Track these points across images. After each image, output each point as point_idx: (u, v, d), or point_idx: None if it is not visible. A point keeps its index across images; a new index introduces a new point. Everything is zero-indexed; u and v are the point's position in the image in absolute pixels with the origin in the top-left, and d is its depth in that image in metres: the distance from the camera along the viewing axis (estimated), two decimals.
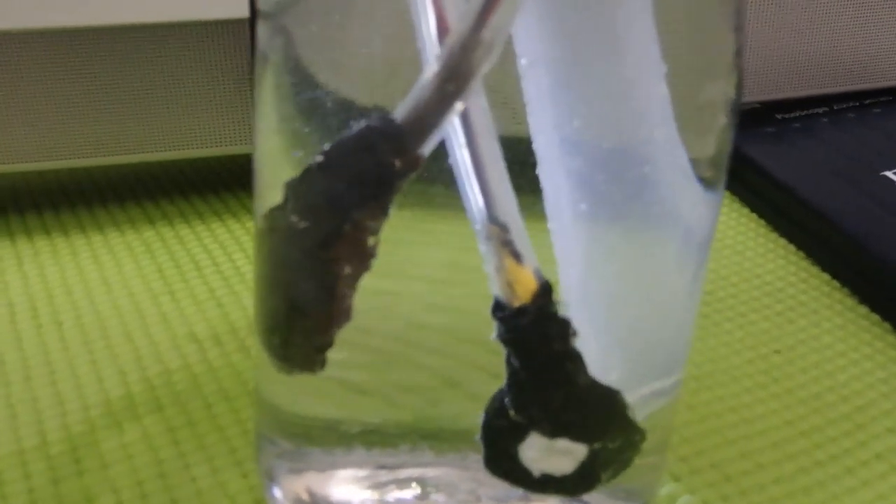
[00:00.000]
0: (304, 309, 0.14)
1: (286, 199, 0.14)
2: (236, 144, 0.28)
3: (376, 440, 0.16)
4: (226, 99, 0.27)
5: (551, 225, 0.14)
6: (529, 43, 0.13)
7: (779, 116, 0.33)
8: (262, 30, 0.14)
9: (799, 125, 0.33)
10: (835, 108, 0.33)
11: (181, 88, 0.27)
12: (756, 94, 0.34)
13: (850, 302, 0.26)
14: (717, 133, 0.15)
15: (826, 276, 0.27)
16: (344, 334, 0.14)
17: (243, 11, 0.26)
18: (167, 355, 0.23)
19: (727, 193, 0.32)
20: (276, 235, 0.14)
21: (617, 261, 0.15)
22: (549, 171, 0.14)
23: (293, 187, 0.14)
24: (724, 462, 0.21)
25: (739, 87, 0.15)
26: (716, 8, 0.14)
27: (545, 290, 0.14)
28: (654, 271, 0.16)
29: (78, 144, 0.27)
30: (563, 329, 0.14)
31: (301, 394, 0.16)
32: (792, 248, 0.29)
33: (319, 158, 0.13)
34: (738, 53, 0.15)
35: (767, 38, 0.32)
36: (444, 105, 0.13)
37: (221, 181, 0.31)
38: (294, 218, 0.13)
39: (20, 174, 0.31)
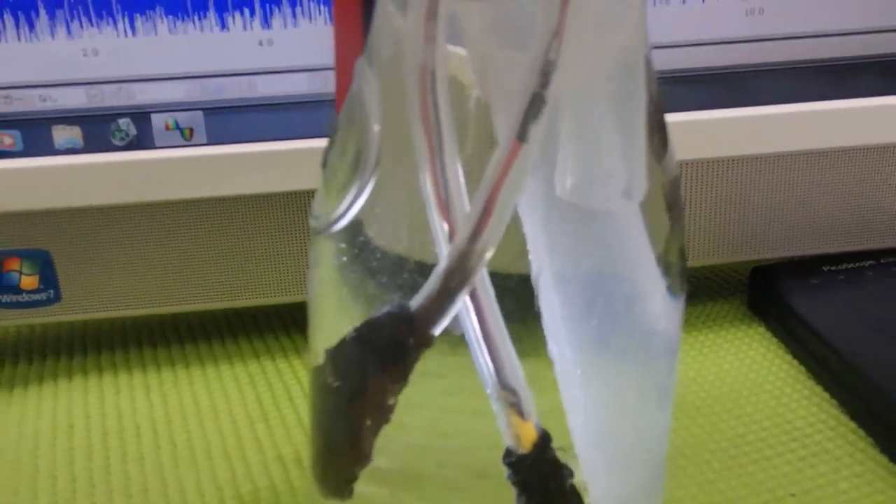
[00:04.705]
0: (335, 449, 0.18)
1: (325, 362, 0.18)
2: None
3: None
4: None
5: (560, 386, 0.18)
6: (538, 255, 0.17)
7: (825, 268, 0.35)
8: (313, 240, 0.19)
9: (844, 277, 0.35)
10: (881, 261, 0.36)
11: (284, 246, 0.33)
12: (807, 248, 0.36)
13: (873, 452, 0.28)
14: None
15: (853, 426, 0.29)
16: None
17: None
18: (257, 475, 0.28)
19: (773, 339, 0.34)
20: (316, 389, 0.19)
21: (611, 402, 0.19)
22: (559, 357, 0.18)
23: (331, 353, 0.18)
24: None
25: (682, 255, 0.18)
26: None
27: (544, 440, 0.18)
28: (640, 409, 0.19)
29: (199, 291, 0.33)
30: (559, 471, 0.18)
31: None
32: (826, 395, 0.31)
33: (352, 333, 0.18)
34: (674, 227, 0.18)
35: (815, 197, 0.35)
36: (450, 296, 0.17)
37: None
38: (330, 378, 0.18)
39: (154, 315, 0.37)
